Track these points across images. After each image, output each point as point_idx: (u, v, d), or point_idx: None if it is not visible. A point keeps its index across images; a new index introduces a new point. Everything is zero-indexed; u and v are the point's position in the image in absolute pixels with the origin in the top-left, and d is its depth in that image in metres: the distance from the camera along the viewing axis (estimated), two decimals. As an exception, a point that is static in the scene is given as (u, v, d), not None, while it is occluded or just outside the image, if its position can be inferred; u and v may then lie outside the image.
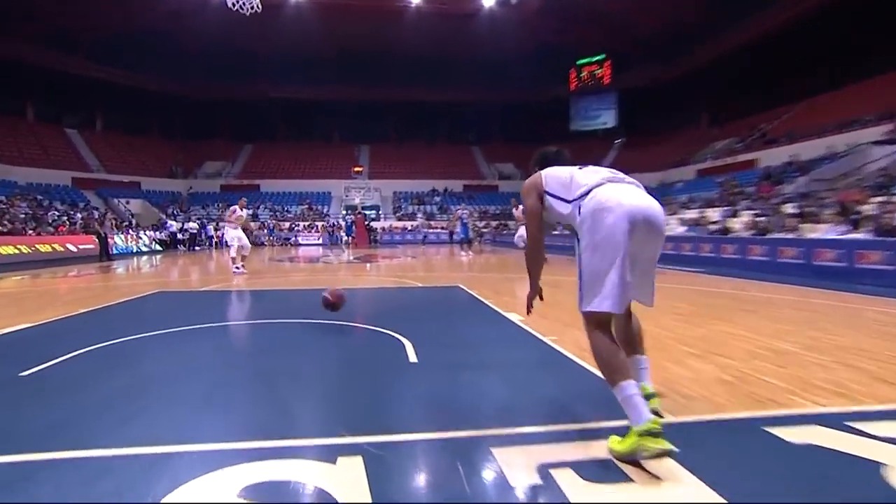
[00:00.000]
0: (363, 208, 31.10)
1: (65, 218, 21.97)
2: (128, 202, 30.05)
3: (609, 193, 2.12)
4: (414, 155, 39.86)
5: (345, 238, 27.86)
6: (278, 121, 42.25)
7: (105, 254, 15.63)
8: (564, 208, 2.23)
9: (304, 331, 4.56)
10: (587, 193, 2.16)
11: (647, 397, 2.28)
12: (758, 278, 8.27)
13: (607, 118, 37.80)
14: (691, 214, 16.35)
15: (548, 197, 2.27)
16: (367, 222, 29.44)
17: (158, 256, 18.31)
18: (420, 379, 3.14)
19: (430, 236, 29.28)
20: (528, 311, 2.49)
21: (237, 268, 10.37)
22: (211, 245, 25.72)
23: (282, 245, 27.68)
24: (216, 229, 26.92)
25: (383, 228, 30.92)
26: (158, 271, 12.25)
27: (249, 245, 11.03)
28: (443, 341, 4.06)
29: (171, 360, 3.60)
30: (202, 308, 6.30)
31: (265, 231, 28.86)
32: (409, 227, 31.20)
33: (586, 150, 36.68)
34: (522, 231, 10.91)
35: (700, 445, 2.21)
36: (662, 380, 3.10)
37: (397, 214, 33.91)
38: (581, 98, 38.11)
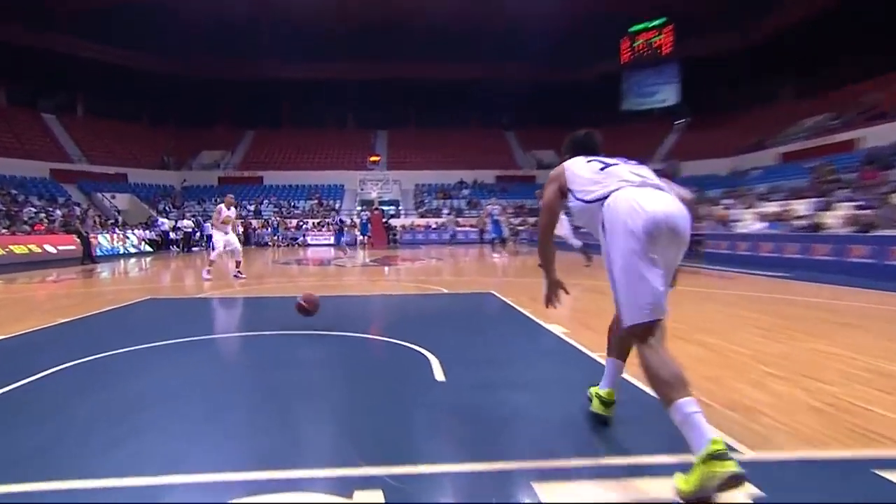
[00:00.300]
0: (380, 203, 31.34)
1: (42, 215, 22.72)
2: (113, 197, 31.00)
3: (630, 198, 2.29)
4: (439, 142, 40.10)
5: (360, 238, 28.12)
6: (284, 104, 43.12)
7: (88, 256, 16.11)
8: (582, 209, 2.45)
9: (313, 344, 4.59)
10: (606, 197, 2.34)
11: (608, 403, 2.63)
12: (859, 285, 7.99)
13: (667, 94, 36.87)
14: (772, 208, 15.81)
15: (570, 194, 2.51)
16: (385, 219, 29.66)
17: (148, 259, 18.84)
18: (448, 400, 3.14)
19: (457, 235, 29.29)
20: (547, 305, 2.79)
21: (209, 271, 10.50)
22: (209, 246, 26.31)
23: (288, 246, 28.13)
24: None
25: (403, 226, 31.14)
26: (148, 276, 12.58)
27: (240, 248, 11.15)
28: (473, 357, 4.05)
29: (162, 377, 3.67)
30: (198, 318, 6.42)
31: (268, 230, 29.37)
32: (434, 225, 31.31)
33: (641, 134, 36.32)
34: (562, 228, 10.71)
35: (787, 490, 2.10)
36: (735, 404, 2.99)
37: (420, 210, 34.11)
38: (635, 72, 37.38)
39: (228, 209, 10.82)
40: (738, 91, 33.32)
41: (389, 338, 4.68)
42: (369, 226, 27.87)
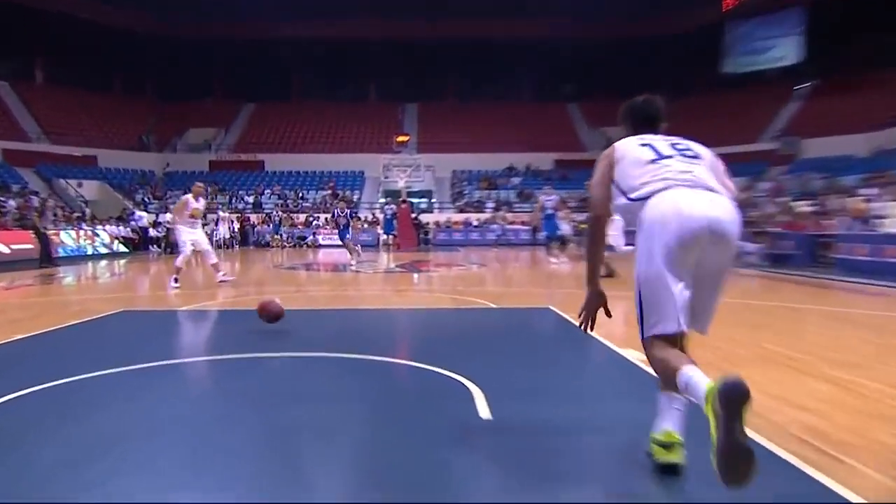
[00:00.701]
0: (409, 195, 31.53)
1: None
2: (80, 185, 32.08)
3: (674, 200, 2.57)
4: (482, 118, 40.24)
5: (383, 237, 28.33)
6: (291, 71, 44.02)
7: (47, 257, 16.61)
8: (625, 206, 2.73)
9: (327, 369, 4.61)
10: (649, 197, 2.63)
11: (668, 445, 2.73)
12: None
13: (785, 50, 35.48)
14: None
15: (613, 185, 2.79)
16: (414, 215, 29.84)
17: (123, 261, 19.43)
18: (495, 445, 3.14)
19: (506, 235, 29.19)
20: (584, 327, 2.93)
21: (176, 280, 10.66)
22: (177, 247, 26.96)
23: (294, 246, 28.58)
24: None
25: (437, 223, 31.30)
26: (122, 282, 12.93)
27: (211, 249, 11.40)
28: (526, 388, 4.02)
29: (141, 409, 3.72)
30: (183, 335, 6.53)
31: (269, 227, 29.90)
32: (475, 222, 31.35)
33: (748, 103, 35.44)
34: (614, 231, 10.72)
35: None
36: (884, 463, 2.84)
37: (458, 203, 34.19)
38: (743, 22, 36.41)
39: (197, 199, 10.98)
40: (885, 45, 30.19)
41: (421, 363, 4.67)
42: (395, 222, 28.06)
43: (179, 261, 10.89)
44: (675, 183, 2.63)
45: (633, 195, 2.69)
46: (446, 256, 20.96)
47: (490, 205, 33.13)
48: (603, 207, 2.84)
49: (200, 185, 11.21)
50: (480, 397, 3.78)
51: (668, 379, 2.54)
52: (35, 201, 25.50)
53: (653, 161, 2.72)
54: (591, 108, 40.16)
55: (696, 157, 2.78)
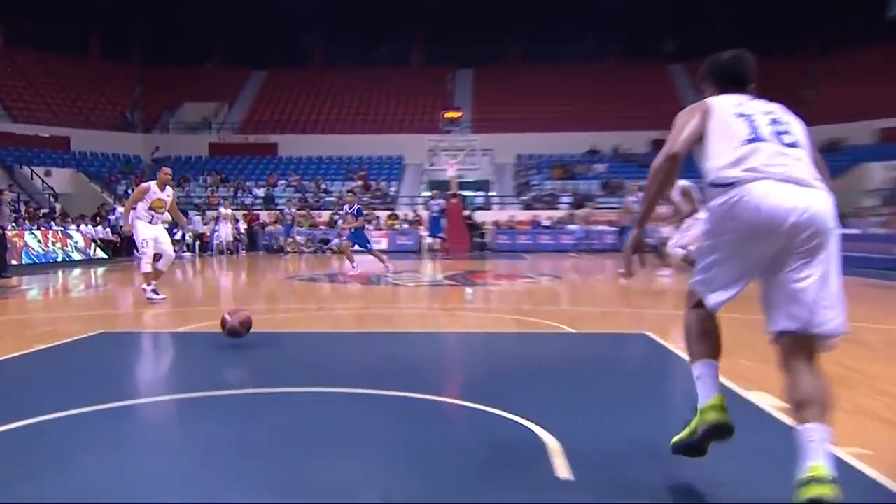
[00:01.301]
0: (460, 187, 31.58)
1: None
2: (48, 173, 33.16)
3: (764, 194, 2.96)
4: (555, 87, 40.18)
5: (428, 241, 28.42)
6: (311, 29, 44.70)
7: (1, 263, 17.07)
8: (707, 167, 3.16)
9: (357, 410, 4.61)
10: (733, 184, 3.01)
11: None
12: None
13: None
14: None
15: (705, 135, 3.20)
16: (467, 212, 29.87)
17: (101, 270, 19.92)
18: (581, 517, 3.04)
19: (588, 237, 28.90)
20: (625, 275, 3.65)
21: (153, 291, 10.89)
22: (194, 249, 27.48)
23: (315, 252, 28.93)
24: (204, 222, 28.74)
25: (497, 223, 31.29)
26: (101, 296, 13.26)
27: (172, 254, 11.55)
28: (618, 440, 3.97)
29: (122, 459, 3.76)
30: (176, 364, 6.62)
31: (281, 227, 30.28)
32: (546, 221, 31.21)
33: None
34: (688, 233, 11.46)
35: None
36: None
37: (523, 198, 34.12)
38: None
39: (162, 189, 11.21)
40: None
41: (478, 403, 4.63)
42: (443, 222, 28.12)
43: (144, 264, 11.07)
44: (764, 175, 2.99)
45: (709, 176, 3.12)
46: (508, 266, 20.84)
47: (566, 199, 32.99)
48: (682, 147, 3.20)
49: (168, 171, 11.56)
50: (557, 450, 3.72)
51: (686, 344, 3.35)
52: (-3, 192, 26.37)
53: (747, 141, 3.06)
54: (698, 70, 39.58)
55: (794, 144, 3.10)
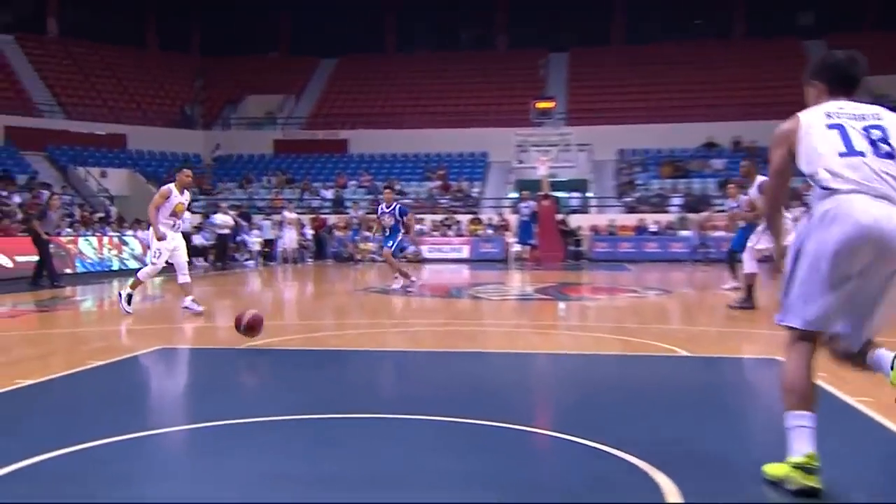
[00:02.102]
0: (553, 187, 31.41)
1: None
2: (103, 174, 34.16)
3: (851, 209, 3.42)
4: (664, 70, 39.63)
5: (516, 248, 28.30)
6: (385, 12, 45.18)
7: (47, 273, 17.53)
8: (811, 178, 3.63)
9: (437, 439, 4.62)
10: (832, 193, 3.49)
11: (808, 469, 3.48)
12: None
13: None
14: None
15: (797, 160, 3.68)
16: (560, 216, 29.67)
17: (158, 279, 20.32)
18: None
19: (706, 244, 28.29)
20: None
21: (126, 303, 11.06)
22: (256, 257, 27.96)
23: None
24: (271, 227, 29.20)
25: (595, 228, 31.02)
26: (158, 308, 13.60)
27: (185, 262, 11.60)
28: (743, 481, 3.86)
29: (186, 491, 3.83)
30: (241, 384, 6.74)
31: (348, 233, 30.40)
32: (654, 227, 30.70)
33: None
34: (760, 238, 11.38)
35: None
36: None
37: (626, 199, 33.58)
38: None
39: (181, 192, 11.36)
40: None
41: (576, 435, 4.57)
42: (534, 227, 27.99)
43: (147, 274, 11.33)
44: (858, 189, 3.43)
45: (817, 184, 3.55)
46: (609, 277, 20.63)
47: (677, 201, 32.32)
48: (775, 202, 3.98)
49: (189, 173, 11.68)
50: (672, 491, 3.65)
51: (782, 393, 3.68)
52: (45, 196, 27.24)
53: (841, 155, 3.50)
54: (844, 46, 38.59)
55: (889, 154, 3.50)
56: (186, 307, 11.14)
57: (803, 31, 40.52)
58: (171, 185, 11.39)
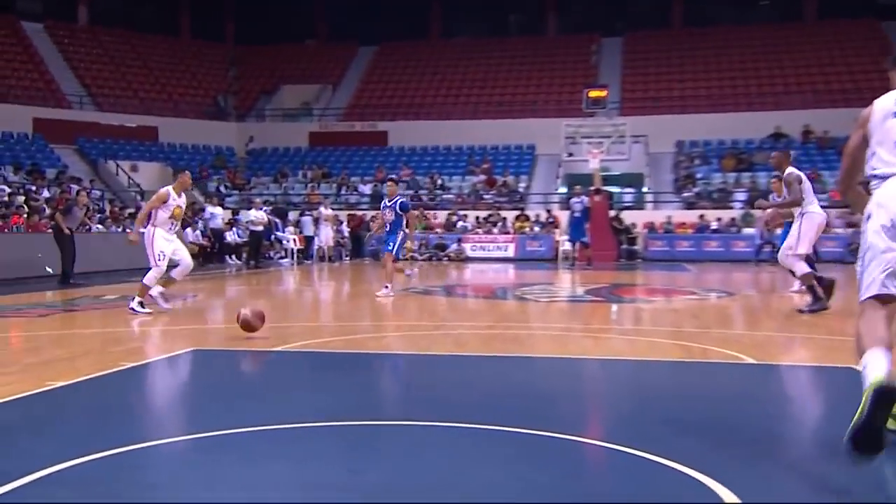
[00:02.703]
0: (605, 181, 31.26)
1: (20, 198, 25.53)
2: (134, 168, 34.78)
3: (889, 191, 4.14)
4: (726, 54, 39.33)
5: (566, 246, 28.18)
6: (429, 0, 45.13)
7: (63, 268, 17.73)
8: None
9: (483, 448, 4.62)
10: (885, 178, 4.17)
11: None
12: None
13: None
14: None
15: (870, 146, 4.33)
16: (613, 212, 29.52)
17: (190, 277, 20.51)
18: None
19: (773, 241, 27.93)
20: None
21: (140, 304, 11.42)
22: (292, 255, 28.14)
23: (430, 259, 29.34)
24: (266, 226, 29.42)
25: (651, 226, 30.84)
26: (190, 308, 13.76)
27: (191, 262, 12.13)
28: (816, 499, 3.85)
29: (222, 500, 3.86)
30: (277, 388, 6.80)
31: (382, 232, 30.42)
32: (716, 224, 30.34)
33: None
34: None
35: None
36: None
37: (685, 194, 33.25)
38: None
39: (180, 195, 11.75)
40: None
41: (631, 447, 4.54)
42: (587, 225, 27.83)
43: (152, 278, 11.57)
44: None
45: (870, 172, 4.25)
46: (665, 278, 20.53)
47: (741, 196, 31.94)
48: (842, 183, 4.77)
49: (188, 175, 12.06)
50: (735, 508, 3.63)
51: (858, 351, 4.03)
52: (74, 190, 27.62)
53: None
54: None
55: None
56: (153, 296, 11.62)
57: (883, 11, 39.58)
58: (170, 188, 11.77)
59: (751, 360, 7.80)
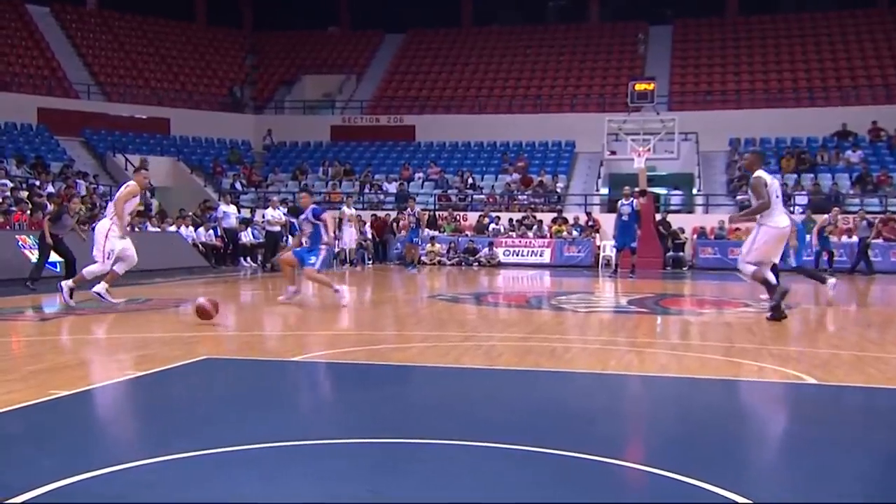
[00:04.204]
0: (650, 182, 31.13)
1: (23, 193, 25.69)
2: (145, 162, 34.69)
3: None
4: (786, 44, 39.08)
5: (607, 252, 28.05)
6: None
7: (34, 271, 17.81)
8: None
9: (517, 471, 4.62)
10: None
11: None
12: None
13: None
14: None
15: None
16: (659, 216, 29.40)
17: (203, 280, 20.61)
18: None
19: (830, 249, 27.72)
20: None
21: (69, 296, 12.19)
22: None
23: (459, 264, 29.44)
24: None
25: (701, 231, 30.69)
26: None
27: (135, 258, 12.59)
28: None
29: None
30: (295, 400, 6.86)
31: (407, 230, 30.20)
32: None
33: None
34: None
35: None
36: None
37: (740, 197, 32.70)
38: None
39: (136, 195, 12.31)
40: None
41: (677, 472, 4.54)
42: (637, 228, 27.68)
43: (94, 270, 12.23)
44: None
45: None
46: (717, 288, 20.46)
47: (802, 199, 31.60)
48: None
49: (148, 174, 12.29)
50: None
51: None
52: (81, 187, 27.84)
53: None
54: None
55: None
56: (98, 293, 12.16)
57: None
58: (132, 183, 12.34)
59: (813, 381, 7.70)
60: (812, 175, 33.12)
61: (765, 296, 13.50)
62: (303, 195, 15.77)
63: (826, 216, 27.21)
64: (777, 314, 11.98)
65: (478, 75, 41.50)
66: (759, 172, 12.04)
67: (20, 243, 20.09)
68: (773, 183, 12.10)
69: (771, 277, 12.27)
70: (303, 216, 14.50)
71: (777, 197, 12.08)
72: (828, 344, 10.83)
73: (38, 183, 27.01)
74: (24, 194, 25.12)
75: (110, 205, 12.24)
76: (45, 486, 4.08)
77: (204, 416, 6.08)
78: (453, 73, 41.99)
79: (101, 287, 12.24)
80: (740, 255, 12.76)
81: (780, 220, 12.00)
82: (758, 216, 12.05)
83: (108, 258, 12.02)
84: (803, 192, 31.95)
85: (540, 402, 6.78)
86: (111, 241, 11.99)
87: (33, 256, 18.10)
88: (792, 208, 31.07)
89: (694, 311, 15.43)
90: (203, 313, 10.45)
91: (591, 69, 40.00)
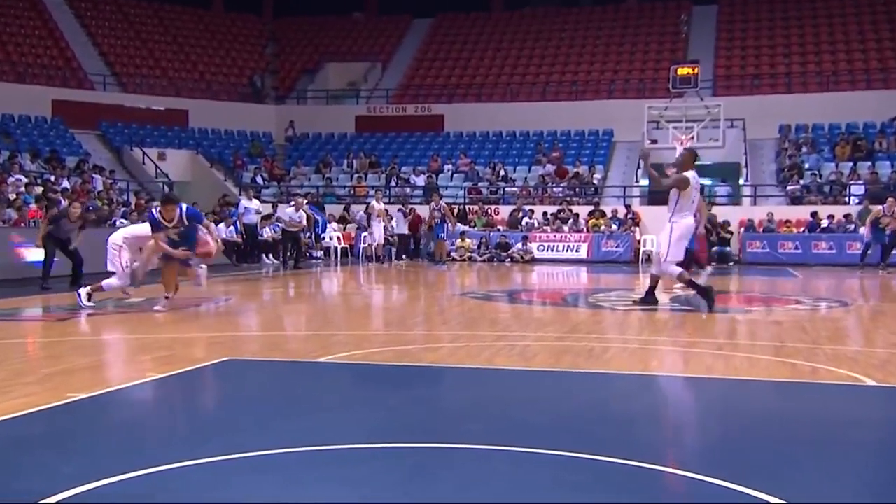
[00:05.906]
0: (699, 171, 30.91)
1: (38, 189, 25.79)
2: (162, 156, 35.25)
3: None
4: (839, 23, 38.78)
5: (647, 247, 27.96)
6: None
7: (44, 274, 18.05)
8: None
9: (554, 476, 4.63)
10: None
11: None
12: None
13: None
14: None
15: None
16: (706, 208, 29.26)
17: (224, 279, 20.65)
18: None
19: (881, 241, 27.44)
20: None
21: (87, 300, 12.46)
22: (336, 255, 28.25)
23: (491, 259, 29.41)
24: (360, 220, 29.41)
25: (748, 224, 30.56)
26: (224, 313, 13.94)
27: (148, 265, 13.08)
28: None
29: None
30: (321, 403, 6.88)
31: (434, 225, 30.00)
32: (828, 222, 29.48)
33: None
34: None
35: None
36: None
37: (791, 187, 32.48)
38: None
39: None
40: None
41: (725, 479, 4.51)
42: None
43: (113, 284, 12.89)
44: None
45: None
46: (766, 284, 20.39)
47: (858, 190, 31.21)
48: None
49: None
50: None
51: None
52: (98, 182, 27.98)
53: None
54: None
55: None
56: (79, 294, 12.79)
57: None
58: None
59: (872, 382, 7.65)
60: (869, 163, 32.60)
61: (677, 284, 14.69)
62: (168, 205, 13.42)
63: (881, 207, 26.69)
64: (650, 300, 13.60)
65: (510, 61, 41.38)
66: (693, 172, 13.17)
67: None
68: (696, 185, 13.27)
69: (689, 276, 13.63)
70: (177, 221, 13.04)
71: (693, 202, 13.23)
72: (886, 343, 10.72)
73: (52, 178, 27.13)
74: (39, 190, 25.20)
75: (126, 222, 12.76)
76: (65, 491, 4.14)
77: (226, 419, 6.13)
78: (484, 59, 41.89)
79: (84, 291, 12.79)
80: (658, 258, 13.70)
81: (690, 219, 13.17)
82: (672, 214, 12.97)
83: (125, 268, 12.35)
84: (860, 182, 31.47)
85: (578, 405, 6.79)
86: (125, 253, 12.41)
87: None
88: (847, 198, 30.81)
89: (741, 308, 15.36)
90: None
91: (630, 53, 39.78)
